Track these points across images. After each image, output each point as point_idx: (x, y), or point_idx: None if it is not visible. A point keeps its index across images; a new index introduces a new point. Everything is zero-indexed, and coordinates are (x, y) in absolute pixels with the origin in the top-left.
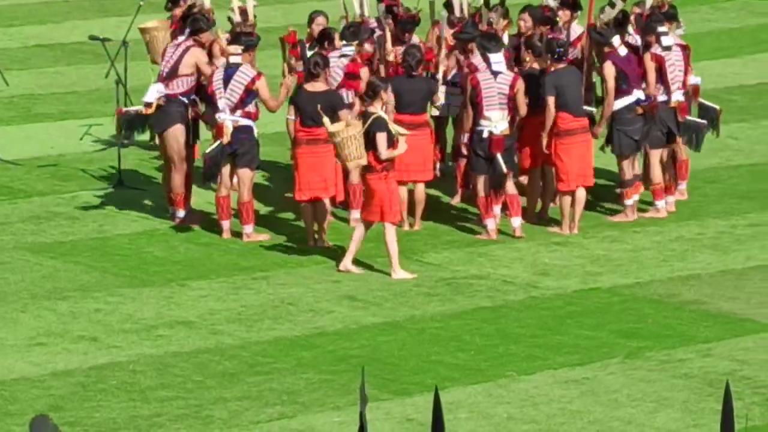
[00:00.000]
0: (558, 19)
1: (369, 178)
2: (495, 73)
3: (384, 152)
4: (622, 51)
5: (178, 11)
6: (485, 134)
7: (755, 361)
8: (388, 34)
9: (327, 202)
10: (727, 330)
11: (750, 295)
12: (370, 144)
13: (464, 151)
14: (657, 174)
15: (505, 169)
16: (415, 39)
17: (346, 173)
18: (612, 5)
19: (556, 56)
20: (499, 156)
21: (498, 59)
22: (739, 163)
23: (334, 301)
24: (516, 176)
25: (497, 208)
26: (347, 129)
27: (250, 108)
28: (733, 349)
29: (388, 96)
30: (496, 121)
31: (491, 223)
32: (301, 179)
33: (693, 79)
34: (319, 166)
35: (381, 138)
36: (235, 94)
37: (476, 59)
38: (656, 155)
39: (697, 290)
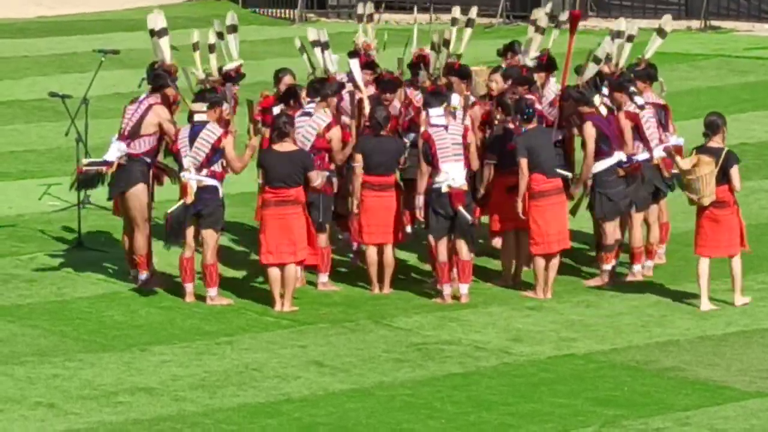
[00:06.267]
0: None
1: (721, 214)
2: (445, 126)
3: (739, 185)
4: (603, 110)
5: None
6: (444, 189)
7: (735, 430)
8: (366, 98)
9: (299, 269)
10: (706, 398)
11: (730, 362)
12: (724, 178)
13: (419, 215)
14: (637, 237)
15: (470, 219)
16: (396, 104)
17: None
18: (597, 61)
19: (525, 117)
20: (461, 208)
21: (438, 113)
22: None
23: (301, 366)
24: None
25: (454, 271)
26: (703, 166)
27: (216, 167)
28: (712, 418)
29: (356, 156)
30: (453, 174)
31: (447, 288)
32: (268, 242)
33: (675, 140)
34: (288, 228)
35: (736, 171)
36: (201, 152)
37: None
38: (639, 218)
39: (675, 357)
